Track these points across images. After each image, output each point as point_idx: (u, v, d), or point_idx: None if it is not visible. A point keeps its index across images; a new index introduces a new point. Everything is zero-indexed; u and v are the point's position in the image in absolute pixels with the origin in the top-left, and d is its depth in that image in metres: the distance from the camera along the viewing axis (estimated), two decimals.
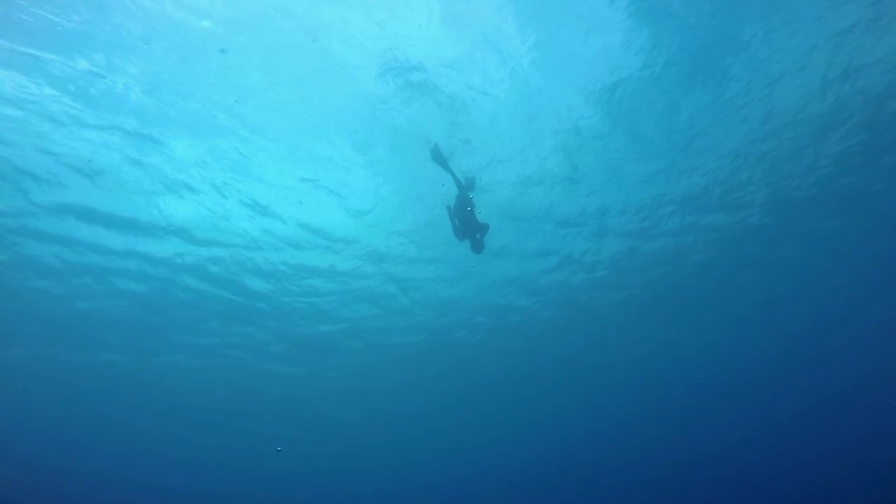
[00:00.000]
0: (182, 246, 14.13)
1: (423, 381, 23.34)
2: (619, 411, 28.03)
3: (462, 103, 10.98)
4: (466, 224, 10.23)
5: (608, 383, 24.68)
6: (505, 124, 11.56)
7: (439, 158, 10.95)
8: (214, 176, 12.12)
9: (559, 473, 37.13)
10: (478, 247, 10.30)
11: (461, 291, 17.36)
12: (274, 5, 9.19)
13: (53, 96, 9.95)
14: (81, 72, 9.65)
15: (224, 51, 9.94)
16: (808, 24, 9.84)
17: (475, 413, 27.62)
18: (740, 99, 11.34)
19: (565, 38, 9.92)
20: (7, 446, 28.61)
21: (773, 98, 11.33)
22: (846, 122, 11.86)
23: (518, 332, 19.72)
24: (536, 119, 11.52)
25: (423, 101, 10.85)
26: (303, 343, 19.45)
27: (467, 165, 12.04)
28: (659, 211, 14.32)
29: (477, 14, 9.48)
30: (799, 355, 22.90)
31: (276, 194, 12.85)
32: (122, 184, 12.00)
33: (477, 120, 11.37)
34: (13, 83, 9.59)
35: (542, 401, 26.41)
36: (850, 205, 14.42)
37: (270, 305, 17.08)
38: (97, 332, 17.71)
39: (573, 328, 19.66)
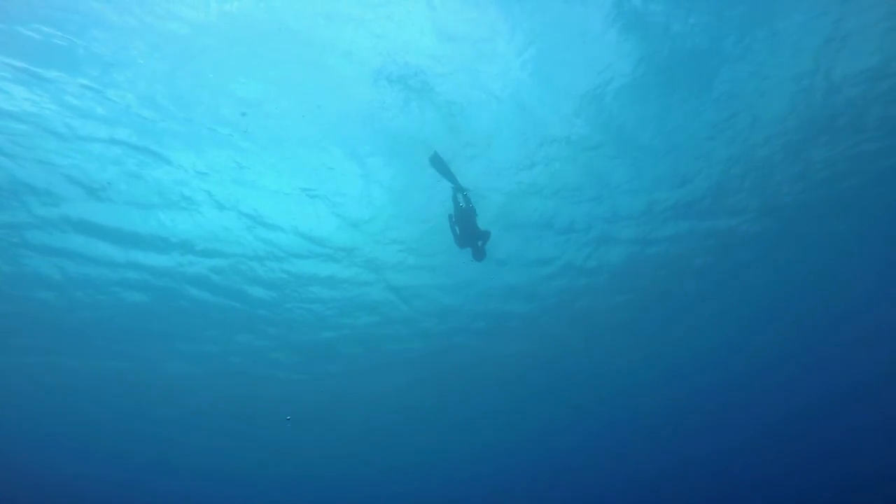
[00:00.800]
0: (183, 257, 14.24)
1: (423, 385, 23.36)
2: (618, 415, 28.00)
3: (460, 107, 11.04)
4: (467, 231, 10.28)
5: (609, 387, 24.72)
6: (503, 130, 11.66)
7: (440, 165, 11.00)
8: (214, 187, 12.25)
9: (561, 477, 37.07)
10: (479, 254, 10.35)
11: (461, 298, 17.43)
12: (272, 20, 9.27)
13: (54, 111, 10.07)
14: (82, 86, 9.76)
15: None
16: (797, 31, 9.98)
17: (477, 417, 27.61)
18: (731, 106, 11.46)
19: (559, 47, 10.05)
20: (11, 454, 28.51)
21: (763, 104, 11.45)
22: (833, 127, 11.99)
23: (518, 336, 19.76)
24: (534, 126, 11.60)
25: (422, 105, 10.92)
26: (304, 349, 19.52)
27: (466, 171, 12.10)
28: (657, 217, 14.41)
29: (474, 21, 9.57)
30: (799, 359, 22.96)
31: (276, 204, 12.94)
32: (123, 196, 12.14)
33: (476, 125, 11.43)
34: (15, 97, 9.68)
35: (543, 404, 26.41)
36: (844, 209, 14.56)
37: (271, 313, 17.17)
38: (100, 341, 17.82)
39: (573, 332, 19.73)
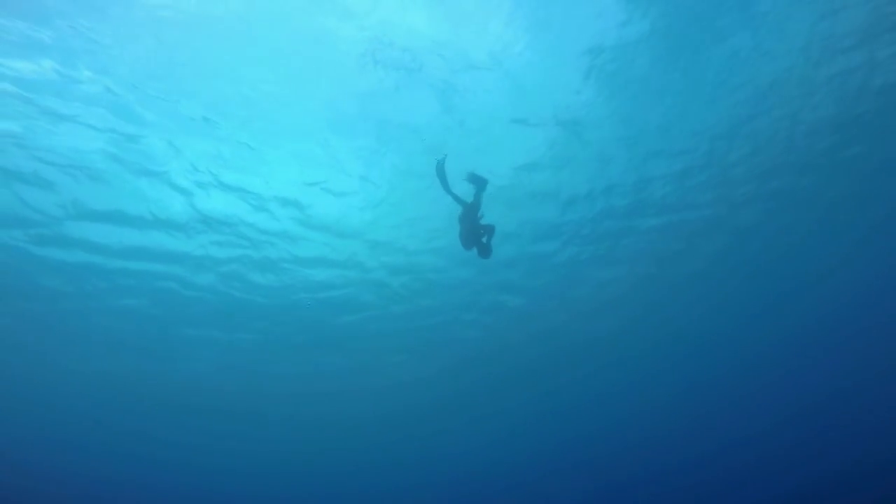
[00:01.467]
0: (183, 258, 14.43)
1: (425, 377, 23.41)
2: (619, 407, 28.15)
3: (454, 89, 10.68)
4: (471, 229, 9.97)
5: (610, 377, 24.82)
6: (500, 114, 11.33)
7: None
8: (210, 189, 12.26)
9: (562, 470, 37.21)
10: (485, 251, 10.03)
11: (464, 288, 17.36)
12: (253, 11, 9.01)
13: (45, 127, 10.14)
14: (73, 101, 9.74)
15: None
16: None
17: (479, 409, 27.72)
18: (731, 95, 11.40)
19: (556, 25, 9.70)
20: (16, 454, 28.62)
21: (767, 88, 11.32)
22: (826, 124, 12.14)
23: (521, 325, 19.73)
24: (532, 107, 11.27)
25: (416, 88, 10.54)
26: (307, 342, 19.62)
27: (463, 157, 11.70)
28: (658, 203, 14.37)
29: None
30: (800, 353, 23.09)
31: (276, 199, 12.84)
32: (122, 201, 12.34)
33: (472, 107, 11.08)
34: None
35: (544, 396, 26.51)
36: (850, 201, 14.63)
37: (274, 307, 17.23)
38: (108, 341, 18.22)
39: (576, 320, 19.63)
